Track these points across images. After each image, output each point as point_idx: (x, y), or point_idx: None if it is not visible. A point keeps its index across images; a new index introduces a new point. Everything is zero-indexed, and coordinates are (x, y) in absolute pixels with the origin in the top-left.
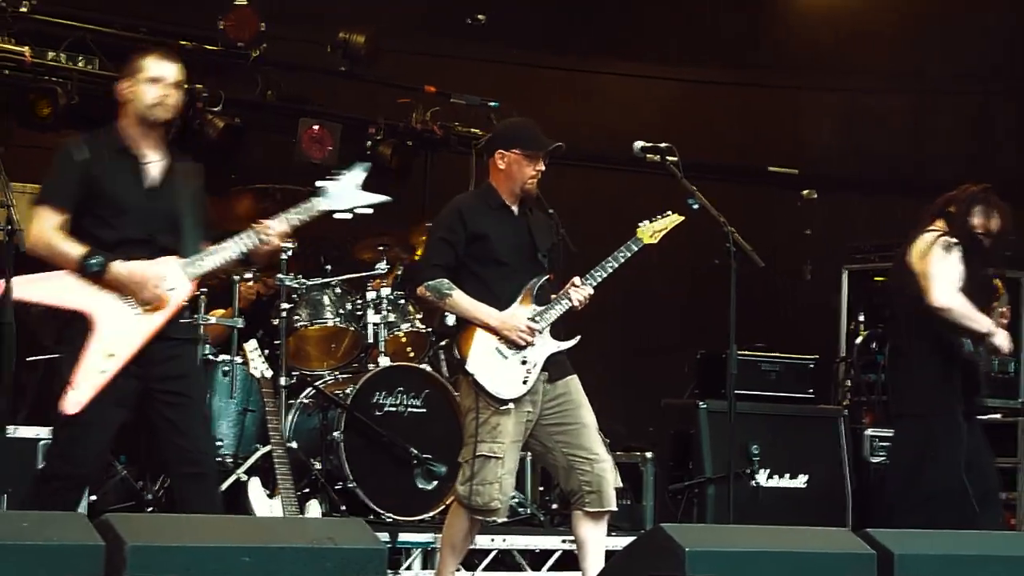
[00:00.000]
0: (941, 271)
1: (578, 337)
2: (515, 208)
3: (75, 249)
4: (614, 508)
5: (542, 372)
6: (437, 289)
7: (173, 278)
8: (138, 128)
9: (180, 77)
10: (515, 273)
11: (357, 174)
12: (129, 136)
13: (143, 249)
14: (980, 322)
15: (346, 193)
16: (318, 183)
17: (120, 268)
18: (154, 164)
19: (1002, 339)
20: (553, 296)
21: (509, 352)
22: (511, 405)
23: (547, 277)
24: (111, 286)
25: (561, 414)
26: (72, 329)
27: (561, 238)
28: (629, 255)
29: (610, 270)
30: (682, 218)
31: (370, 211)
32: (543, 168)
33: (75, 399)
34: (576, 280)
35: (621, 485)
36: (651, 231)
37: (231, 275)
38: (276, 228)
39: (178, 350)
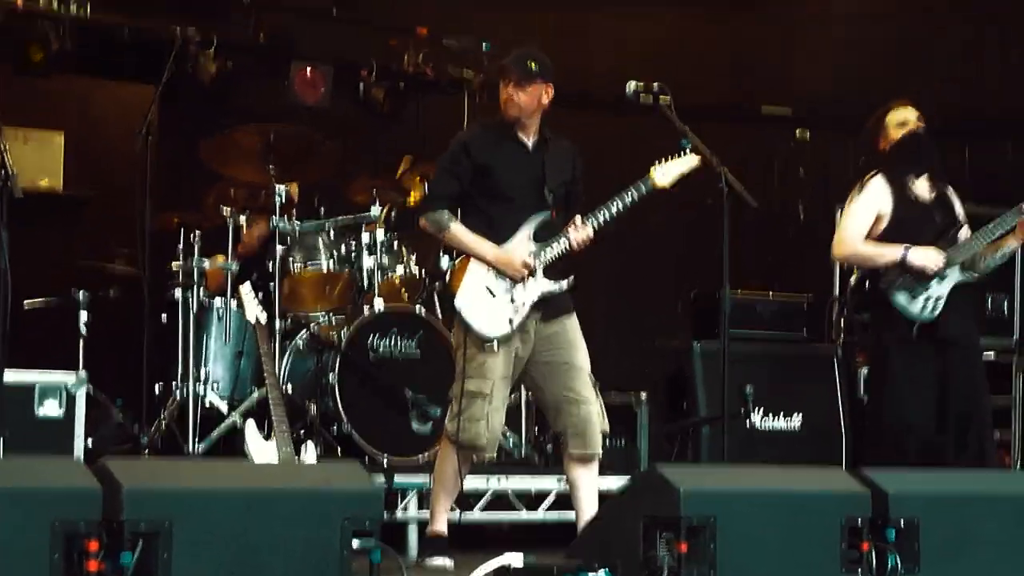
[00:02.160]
0: (842, 222)
1: (571, 278)
2: (529, 140)
3: None
4: (598, 451)
5: (535, 311)
6: (437, 221)
7: None
8: None
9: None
10: (519, 209)
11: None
12: None
13: None
14: (885, 254)
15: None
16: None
17: None
18: None
19: (918, 256)
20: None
21: (498, 290)
22: (495, 344)
23: (548, 215)
24: None
25: (552, 352)
26: None
27: (577, 178)
28: (637, 197)
29: (615, 211)
30: (699, 160)
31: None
32: (537, 97)
33: None
34: (577, 220)
35: (607, 429)
36: (664, 172)
37: (226, 220)
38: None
39: None
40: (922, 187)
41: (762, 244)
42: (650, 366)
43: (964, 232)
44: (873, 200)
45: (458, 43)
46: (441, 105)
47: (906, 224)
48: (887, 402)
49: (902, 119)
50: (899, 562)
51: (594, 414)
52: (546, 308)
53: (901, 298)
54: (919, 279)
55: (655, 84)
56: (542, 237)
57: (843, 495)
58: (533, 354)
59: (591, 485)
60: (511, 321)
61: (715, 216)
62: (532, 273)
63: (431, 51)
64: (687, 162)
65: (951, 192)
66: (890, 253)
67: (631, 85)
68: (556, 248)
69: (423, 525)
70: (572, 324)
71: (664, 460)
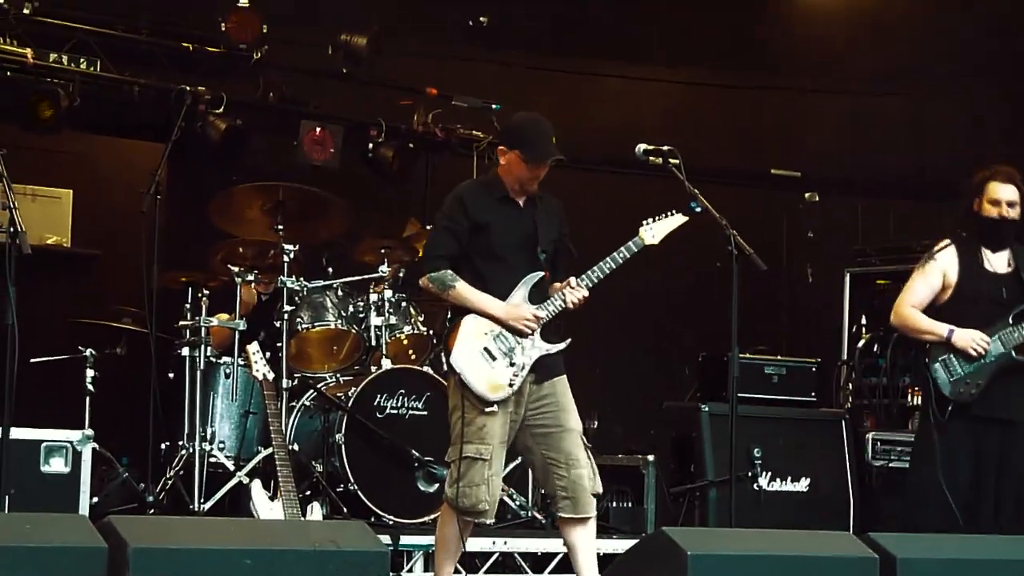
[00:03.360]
0: (904, 289)
1: (569, 340)
2: (520, 200)
3: None
4: (590, 513)
5: (529, 373)
6: (440, 280)
7: None
8: None
9: None
10: (512, 269)
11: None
12: None
13: None
14: (932, 331)
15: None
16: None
17: None
18: None
19: (961, 338)
20: (548, 296)
21: (497, 353)
22: (495, 407)
23: (542, 275)
24: None
25: (544, 415)
26: None
27: (564, 233)
28: (628, 256)
29: (608, 271)
30: (686, 219)
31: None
32: (542, 174)
33: None
34: (572, 281)
35: (599, 490)
36: (653, 232)
37: (232, 278)
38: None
39: None
40: (998, 260)
41: (771, 307)
42: (658, 428)
43: None
44: (939, 268)
45: (468, 104)
46: (450, 165)
47: (971, 295)
48: (922, 474)
49: (996, 197)
50: None
51: (584, 477)
52: (539, 370)
53: (941, 375)
54: (963, 358)
55: (665, 147)
56: (535, 298)
57: (851, 559)
58: (525, 417)
59: (588, 546)
60: (511, 384)
61: (724, 279)
62: (535, 327)
63: (441, 111)
64: (675, 221)
65: None
66: (938, 331)
67: (640, 147)
68: (551, 308)
69: None
70: (564, 386)
71: (671, 523)
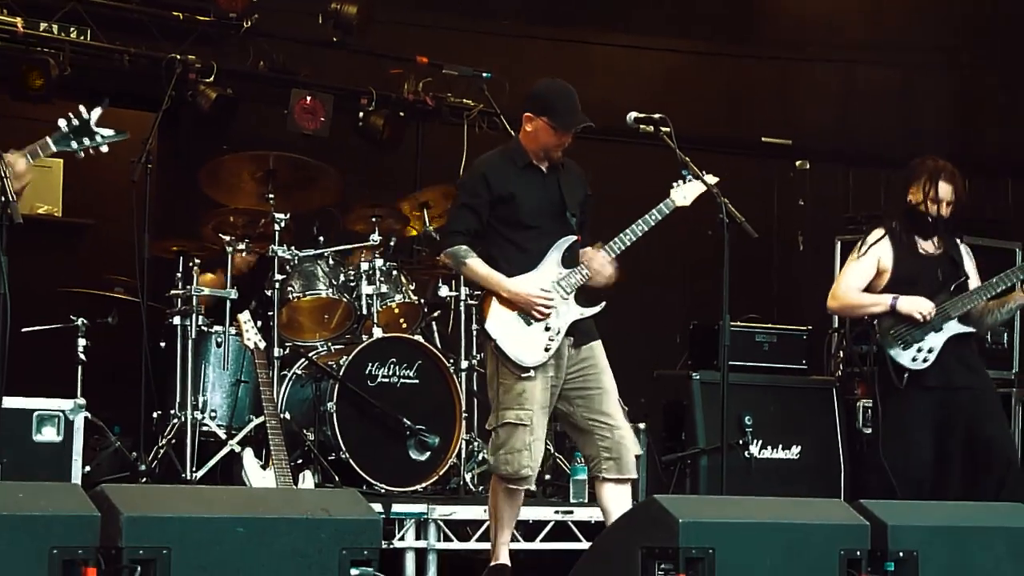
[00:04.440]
0: (840, 276)
1: (603, 303)
2: (543, 166)
3: None
4: (634, 475)
5: (567, 337)
6: (455, 255)
7: None
8: None
9: None
10: (545, 234)
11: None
12: None
13: None
14: (876, 303)
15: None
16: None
17: None
18: None
19: (906, 303)
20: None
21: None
22: (533, 372)
23: (575, 239)
24: None
25: (584, 379)
26: None
27: (588, 195)
28: (660, 218)
29: (639, 234)
30: (717, 179)
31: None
32: (568, 141)
33: None
34: (588, 251)
35: (641, 452)
36: (684, 193)
37: (224, 247)
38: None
39: None
40: (928, 244)
41: (762, 275)
42: (649, 397)
43: (970, 286)
44: (873, 256)
45: (459, 72)
46: (441, 133)
47: (907, 279)
48: (882, 443)
49: (938, 195)
50: None
51: (628, 438)
52: (577, 333)
53: (892, 348)
54: (912, 327)
55: (656, 115)
56: (570, 262)
57: (842, 527)
58: (565, 380)
59: (625, 509)
60: (547, 349)
61: (715, 247)
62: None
63: (431, 80)
64: (700, 186)
65: (963, 248)
66: (880, 301)
67: (631, 116)
68: (583, 273)
69: (420, 554)
70: (600, 349)
71: (662, 491)
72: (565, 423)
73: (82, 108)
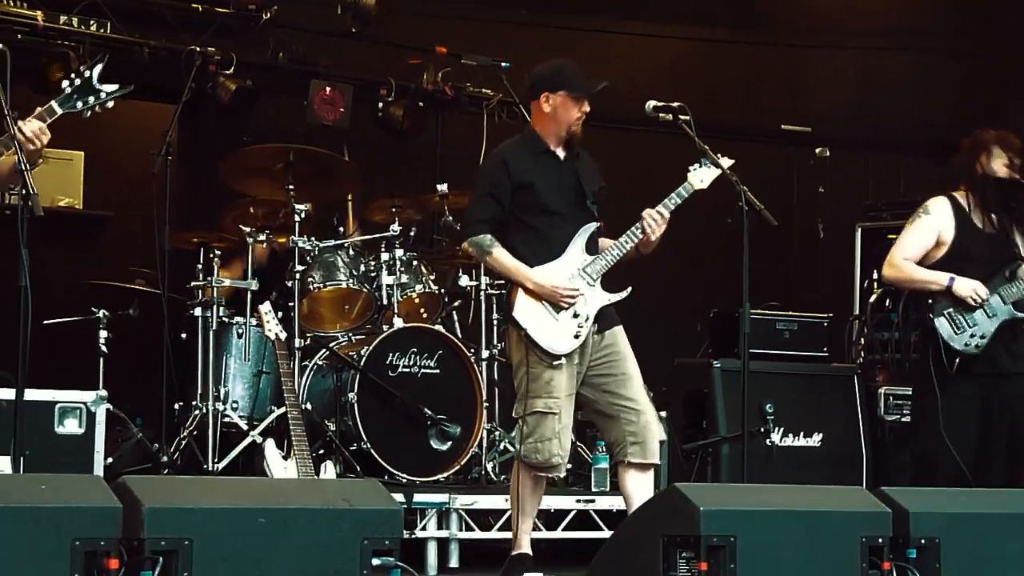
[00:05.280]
0: (898, 242)
1: (629, 289)
2: (561, 152)
3: None
4: (657, 461)
5: (592, 324)
6: (479, 245)
7: None
8: None
9: None
10: (566, 221)
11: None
12: None
13: None
14: (933, 280)
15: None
16: None
17: None
18: None
19: (962, 286)
20: (607, 245)
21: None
22: (563, 360)
23: (597, 225)
24: None
25: (608, 364)
26: None
27: (603, 186)
28: (680, 202)
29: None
30: (732, 161)
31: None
32: (588, 110)
33: None
34: (649, 213)
35: (665, 438)
36: (700, 177)
37: (244, 238)
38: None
39: None
40: (985, 221)
41: (782, 262)
42: (670, 385)
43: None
44: (935, 224)
45: (477, 62)
46: (460, 123)
47: (964, 254)
48: (926, 429)
49: (1004, 161)
50: None
51: (653, 423)
52: (600, 319)
53: (945, 328)
54: (965, 310)
55: (675, 103)
56: (593, 248)
57: (864, 514)
58: (589, 367)
59: (648, 495)
60: (577, 336)
61: (735, 235)
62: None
63: (450, 70)
64: (715, 171)
65: (1017, 230)
66: (937, 279)
67: (650, 104)
68: (608, 259)
69: (442, 543)
70: (622, 334)
71: (683, 479)
72: (590, 409)
73: (82, 67)
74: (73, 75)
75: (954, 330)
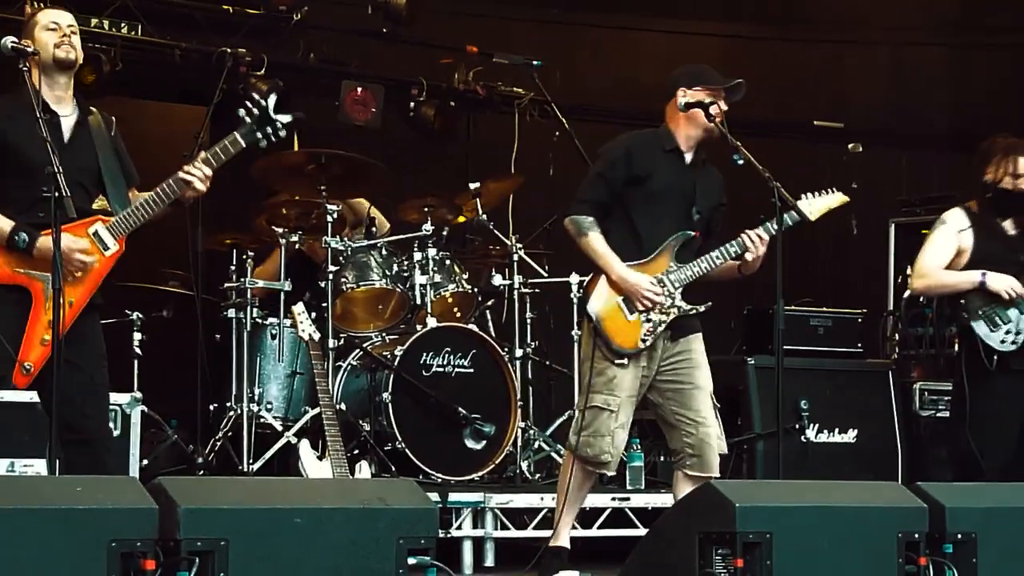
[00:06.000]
0: (921, 254)
1: (709, 303)
2: (688, 156)
3: (4, 224)
4: (715, 474)
5: (666, 331)
6: (579, 225)
7: (99, 243)
8: (48, 80)
9: (74, 23)
10: (665, 222)
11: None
12: (39, 92)
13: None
14: (963, 280)
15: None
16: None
17: (45, 243)
18: (67, 119)
19: (996, 280)
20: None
21: (635, 306)
22: (626, 360)
23: (694, 235)
24: (41, 259)
25: (676, 372)
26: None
27: (724, 204)
28: (783, 227)
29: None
30: (847, 199)
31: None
32: (725, 108)
33: (26, 371)
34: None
35: (725, 451)
36: (811, 207)
37: (276, 239)
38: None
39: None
40: (1008, 224)
41: (816, 259)
42: None
43: None
44: (953, 232)
45: (509, 61)
46: (492, 122)
47: (988, 259)
48: (965, 428)
49: (1019, 170)
50: None
51: (712, 436)
52: (675, 328)
53: (981, 327)
54: (999, 306)
55: (707, 100)
56: (683, 257)
57: (900, 509)
58: (658, 372)
59: None
60: (644, 340)
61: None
62: (669, 294)
63: (481, 69)
64: (836, 200)
65: None
66: (968, 278)
67: (682, 101)
68: (696, 270)
69: (477, 542)
70: (699, 344)
71: (719, 476)
72: (655, 413)
73: (255, 96)
74: (250, 105)
75: (990, 328)
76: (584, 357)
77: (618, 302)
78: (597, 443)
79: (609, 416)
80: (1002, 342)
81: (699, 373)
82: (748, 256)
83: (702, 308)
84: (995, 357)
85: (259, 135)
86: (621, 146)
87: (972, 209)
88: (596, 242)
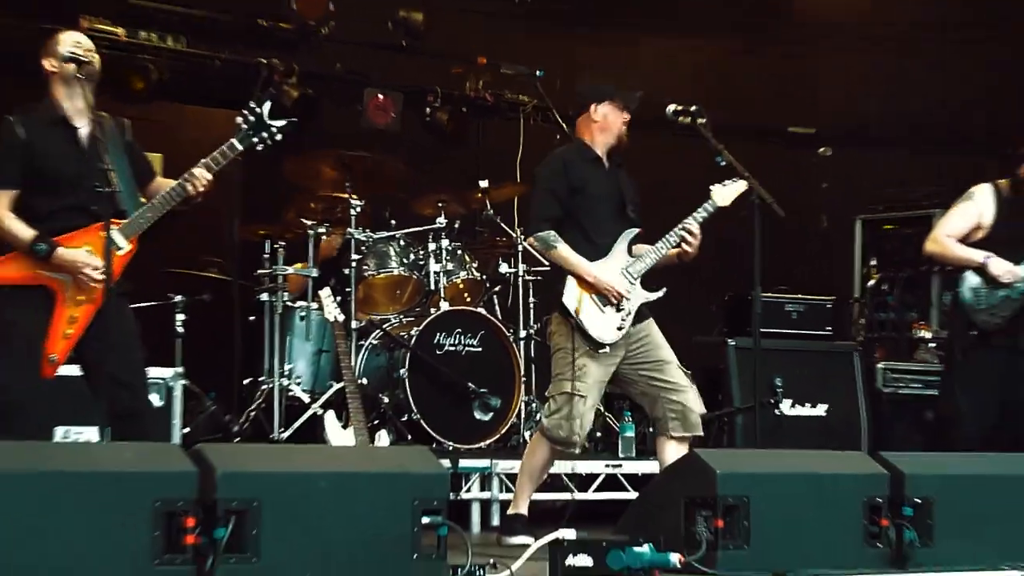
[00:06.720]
0: (941, 221)
1: (664, 289)
2: (606, 162)
3: (25, 232)
4: (699, 432)
5: (632, 318)
6: (544, 241)
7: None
8: (69, 92)
9: (92, 47)
10: (608, 225)
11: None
12: (61, 106)
13: (80, 217)
14: (970, 257)
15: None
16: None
17: (63, 254)
18: (83, 130)
19: (997, 264)
20: (644, 249)
21: (607, 300)
22: (607, 349)
23: (638, 231)
24: (59, 267)
25: (644, 353)
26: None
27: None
28: (706, 216)
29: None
30: (747, 185)
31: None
32: (628, 118)
33: (52, 362)
34: (690, 228)
35: (705, 411)
36: (723, 195)
37: (306, 231)
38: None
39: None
40: None
41: (790, 250)
42: (688, 361)
43: None
44: (976, 209)
45: (515, 71)
46: (499, 127)
47: (1004, 240)
48: (949, 395)
49: None
50: (916, 537)
51: (691, 399)
52: (637, 314)
53: (969, 299)
54: (993, 288)
55: (693, 107)
56: (632, 251)
57: (864, 476)
58: (627, 356)
59: None
60: (620, 328)
61: (747, 226)
62: (632, 285)
63: (490, 78)
64: (740, 186)
65: None
66: (975, 257)
67: (671, 108)
68: (648, 261)
69: (484, 504)
70: (654, 325)
71: (702, 446)
72: (634, 391)
73: (252, 104)
74: (247, 113)
75: (976, 303)
76: (559, 347)
77: (590, 298)
78: (567, 426)
79: (580, 401)
80: (984, 321)
81: (664, 351)
82: (686, 247)
83: (660, 293)
84: (974, 332)
85: (255, 139)
86: (557, 161)
87: (1001, 188)
88: (565, 251)
